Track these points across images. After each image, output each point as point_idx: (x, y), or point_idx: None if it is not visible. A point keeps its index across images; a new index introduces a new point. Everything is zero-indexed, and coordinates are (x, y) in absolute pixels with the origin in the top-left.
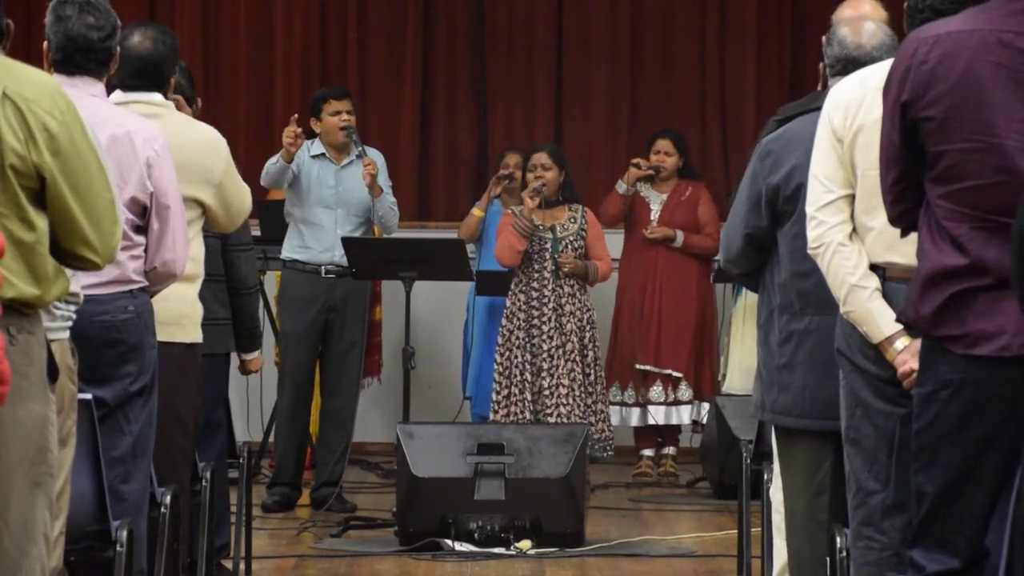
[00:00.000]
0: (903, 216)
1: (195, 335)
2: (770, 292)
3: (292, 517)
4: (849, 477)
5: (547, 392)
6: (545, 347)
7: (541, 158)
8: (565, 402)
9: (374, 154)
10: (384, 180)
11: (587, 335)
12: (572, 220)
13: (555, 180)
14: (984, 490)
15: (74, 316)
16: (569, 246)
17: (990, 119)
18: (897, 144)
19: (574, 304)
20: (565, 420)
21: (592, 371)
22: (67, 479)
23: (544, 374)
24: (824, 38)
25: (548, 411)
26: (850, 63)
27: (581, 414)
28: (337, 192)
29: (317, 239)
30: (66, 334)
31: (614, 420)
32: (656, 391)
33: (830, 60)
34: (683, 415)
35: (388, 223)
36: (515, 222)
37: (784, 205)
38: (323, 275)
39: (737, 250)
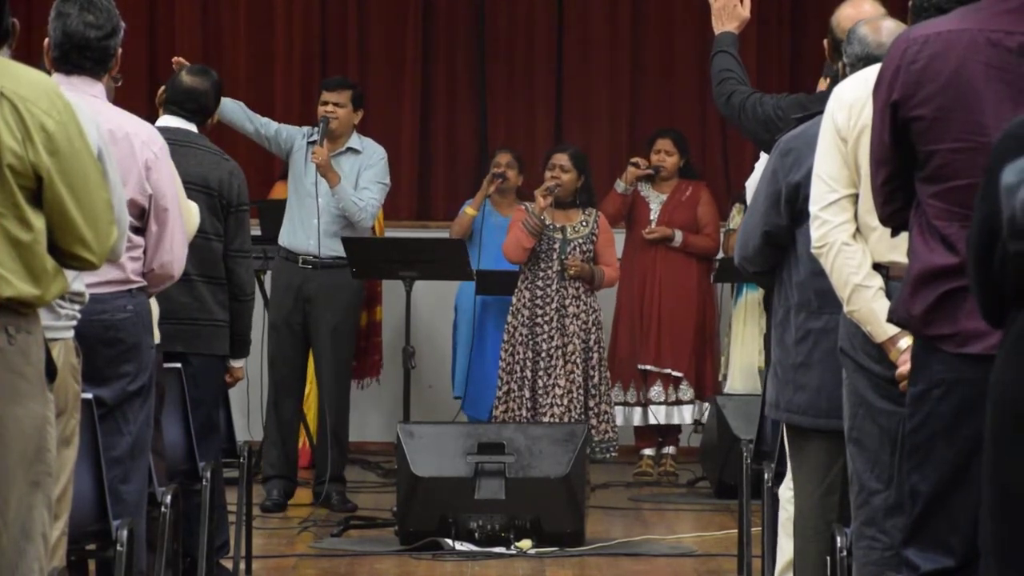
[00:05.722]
0: (894, 216)
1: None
2: (787, 290)
3: (292, 517)
4: (852, 477)
5: (542, 391)
6: (545, 347)
7: (561, 159)
8: (560, 403)
9: (373, 149)
10: (371, 177)
11: (592, 337)
12: (584, 223)
13: (572, 183)
14: (978, 488)
15: (79, 316)
16: (578, 249)
17: (980, 119)
18: (887, 144)
19: (578, 306)
20: (558, 420)
21: (596, 372)
22: (70, 479)
23: (542, 373)
24: (824, 41)
25: (543, 410)
26: (871, 62)
27: (577, 415)
28: (318, 181)
29: (296, 227)
30: (71, 333)
31: (617, 420)
32: (656, 391)
33: (850, 59)
34: (685, 415)
35: (352, 218)
36: (525, 219)
37: (804, 203)
38: (299, 264)
39: (754, 248)
